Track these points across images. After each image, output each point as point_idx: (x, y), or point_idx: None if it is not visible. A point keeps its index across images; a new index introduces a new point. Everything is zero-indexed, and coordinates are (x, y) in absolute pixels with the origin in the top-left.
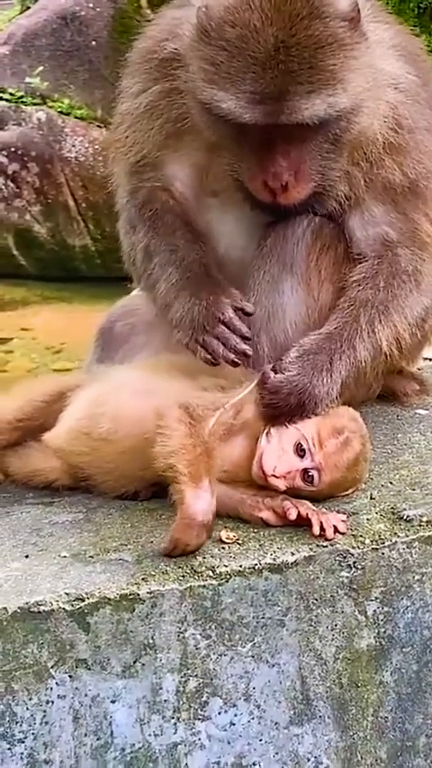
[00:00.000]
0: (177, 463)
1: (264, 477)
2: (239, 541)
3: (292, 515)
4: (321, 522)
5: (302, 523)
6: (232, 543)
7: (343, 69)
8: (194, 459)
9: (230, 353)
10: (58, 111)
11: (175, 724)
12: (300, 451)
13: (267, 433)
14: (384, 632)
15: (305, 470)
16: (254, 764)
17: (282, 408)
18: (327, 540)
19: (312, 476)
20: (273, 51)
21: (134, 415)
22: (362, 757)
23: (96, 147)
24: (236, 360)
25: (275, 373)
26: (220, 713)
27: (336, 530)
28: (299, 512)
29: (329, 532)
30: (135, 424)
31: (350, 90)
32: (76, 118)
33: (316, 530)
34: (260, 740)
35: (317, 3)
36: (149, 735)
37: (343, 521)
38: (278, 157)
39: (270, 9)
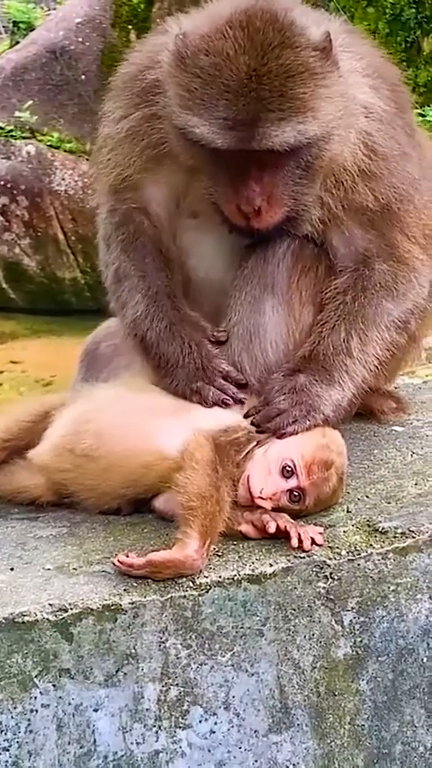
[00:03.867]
0: (199, 509)
1: (251, 498)
2: (219, 553)
3: (272, 528)
4: (299, 535)
5: (281, 536)
6: (212, 555)
7: (313, 98)
8: (212, 514)
9: (229, 400)
10: (48, 145)
11: (157, 732)
12: (286, 473)
13: (253, 456)
14: (360, 642)
15: (291, 491)
16: None
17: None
18: (304, 551)
19: (298, 495)
20: (245, 79)
21: (117, 433)
22: (339, 765)
23: (86, 180)
24: (230, 404)
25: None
26: (200, 721)
27: (313, 541)
28: (277, 525)
29: (307, 544)
30: (117, 442)
31: (320, 118)
32: (65, 151)
33: (294, 542)
34: (240, 748)
35: (289, 33)
36: (131, 743)
37: (320, 533)
38: (251, 182)
39: (243, 38)
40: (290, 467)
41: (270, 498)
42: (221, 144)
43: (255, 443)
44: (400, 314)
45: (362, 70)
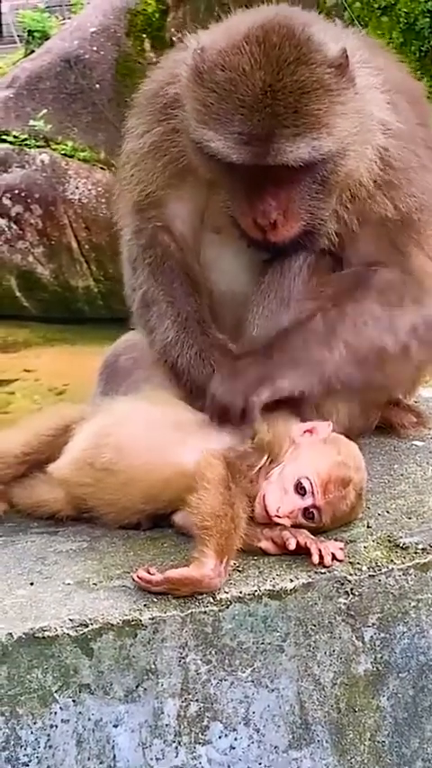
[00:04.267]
0: (214, 528)
1: (268, 516)
2: (239, 568)
3: (292, 545)
4: (320, 550)
5: (301, 552)
6: (232, 570)
7: (328, 114)
8: (228, 532)
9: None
10: (62, 154)
11: (177, 748)
12: (300, 490)
13: (269, 473)
14: (381, 658)
15: (306, 509)
16: None
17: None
18: (325, 567)
19: (313, 513)
20: (260, 95)
21: (137, 447)
22: None
23: (99, 188)
24: None
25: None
26: (220, 737)
27: (334, 557)
28: (297, 541)
29: (327, 560)
30: (137, 456)
31: (335, 134)
32: (79, 160)
33: (315, 558)
34: (260, 764)
35: (305, 49)
36: (151, 759)
37: (341, 548)
38: (267, 197)
39: (259, 54)
40: (304, 485)
41: (288, 516)
42: (236, 159)
43: (268, 458)
44: (399, 320)
45: (380, 86)
